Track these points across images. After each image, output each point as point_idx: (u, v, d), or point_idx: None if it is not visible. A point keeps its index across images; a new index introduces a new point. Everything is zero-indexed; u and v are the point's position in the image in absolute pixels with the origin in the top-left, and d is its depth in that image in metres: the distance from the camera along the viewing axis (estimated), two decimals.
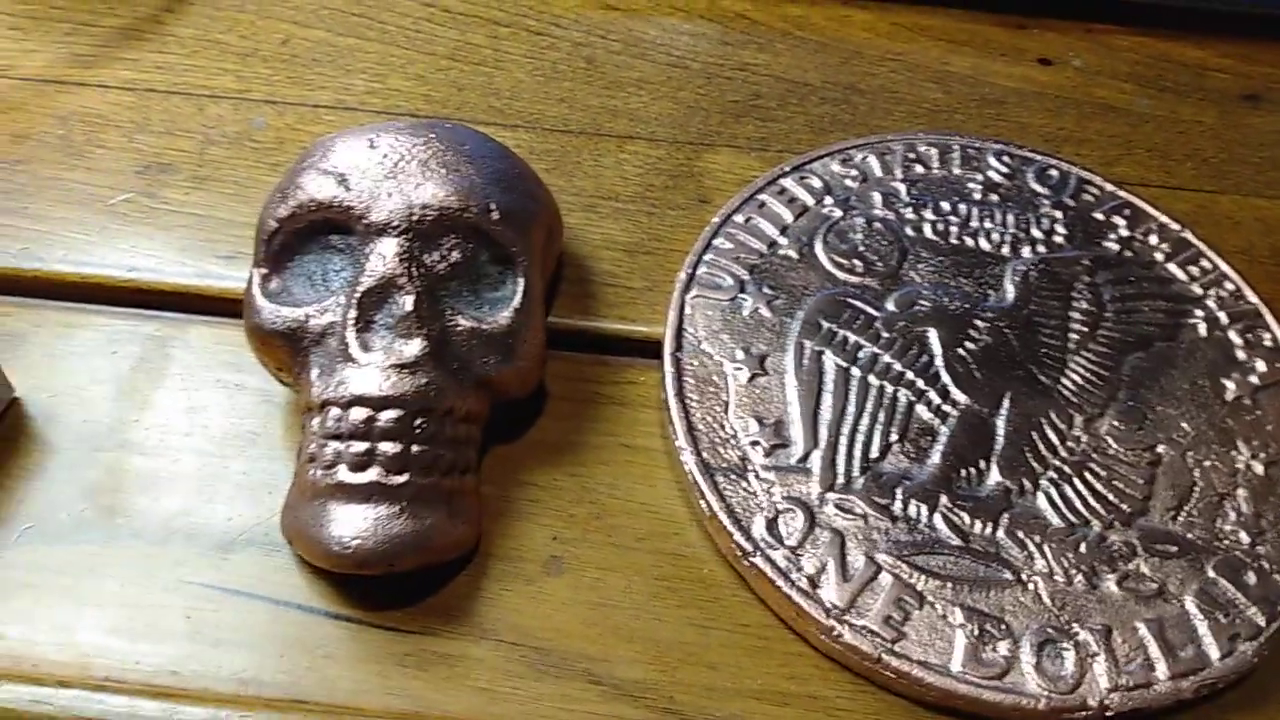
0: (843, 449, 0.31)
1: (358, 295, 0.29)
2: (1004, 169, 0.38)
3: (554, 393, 0.33)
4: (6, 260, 0.35)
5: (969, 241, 0.36)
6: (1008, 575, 0.29)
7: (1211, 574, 0.29)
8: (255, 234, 0.31)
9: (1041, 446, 0.31)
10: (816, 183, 0.37)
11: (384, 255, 0.29)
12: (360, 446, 0.28)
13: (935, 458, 0.31)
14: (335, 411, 0.28)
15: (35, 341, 0.33)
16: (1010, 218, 0.37)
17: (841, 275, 0.35)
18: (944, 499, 0.30)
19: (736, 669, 0.28)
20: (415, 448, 0.28)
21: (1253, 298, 0.35)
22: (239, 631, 0.28)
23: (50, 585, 0.28)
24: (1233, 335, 0.34)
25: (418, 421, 0.28)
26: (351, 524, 0.27)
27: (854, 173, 0.38)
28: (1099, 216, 0.37)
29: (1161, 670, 0.28)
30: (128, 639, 0.28)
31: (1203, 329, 0.35)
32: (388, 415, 0.28)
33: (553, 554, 0.30)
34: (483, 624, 0.28)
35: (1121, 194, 0.38)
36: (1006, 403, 0.32)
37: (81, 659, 0.27)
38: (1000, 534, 0.30)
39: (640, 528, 0.30)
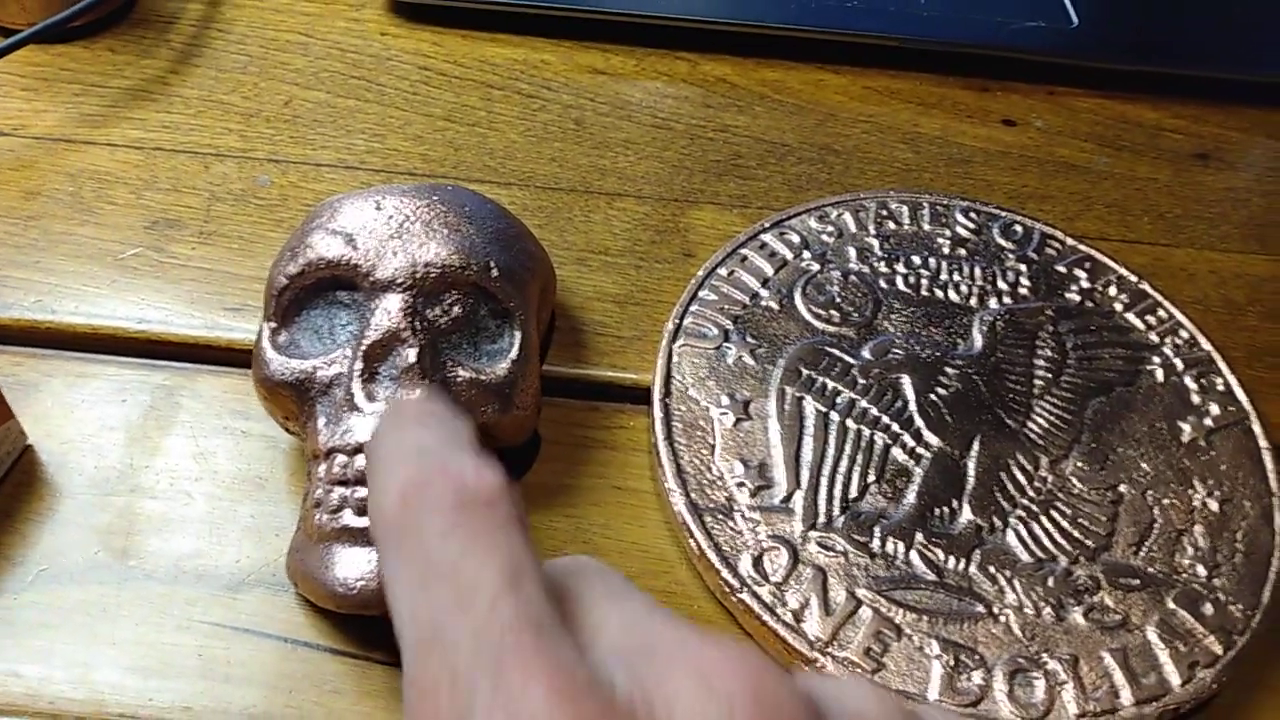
0: (823, 489, 0.32)
1: (363, 348, 0.30)
2: (971, 225, 0.40)
3: (548, 438, 0.34)
4: (20, 312, 0.36)
5: (939, 293, 0.38)
6: (980, 608, 0.31)
7: (1171, 605, 0.31)
8: (265, 290, 0.32)
9: (1010, 486, 0.33)
10: (795, 238, 0.39)
11: (389, 310, 0.30)
12: (364, 491, 0.29)
13: (910, 497, 0.33)
14: (341, 458, 0.29)
15: (48, 391, 0.34)
16: (977, 271, 0.39)
17: (820, 325, 0.37)
18: (919, 536, 0.32)
19: None
20: None
21: (1206, 345, 0.38)
22: (249, 668, 0.29)
23: (65, 625, 0.29)
24: (1188, 381, 0.37)
25: None
26: (355, 566, 0.28)
27: (830, 229, 0.40)
28: (1061, 269, 0.39)
29: (1126, 697, 0.29)
30: (141, 676, 0.29)
31: (1160, 375, 0.37)
32: None
33: None
34: None
35: (1082, 248, 0.40)
36: (976, 445, 0.34)
37: (97, 697, 0.28)
38: (973, 569, 0.31)
39: (632, 567, 0.32)
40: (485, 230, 0.32)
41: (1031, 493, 0.33)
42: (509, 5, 0.47)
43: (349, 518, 0.29)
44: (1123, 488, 0.34)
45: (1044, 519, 0.33)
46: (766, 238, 0.39)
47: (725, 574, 0.30)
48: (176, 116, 0.43)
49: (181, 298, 0.37)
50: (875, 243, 0.39)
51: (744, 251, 0.39)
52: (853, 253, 0.39)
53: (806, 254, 0.39)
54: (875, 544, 0.31)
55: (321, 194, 0.40)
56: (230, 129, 0.43)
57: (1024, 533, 0.32)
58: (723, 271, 0.38)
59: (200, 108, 0.43)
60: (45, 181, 0.40)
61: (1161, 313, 0.39)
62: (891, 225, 0.40)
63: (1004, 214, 0.41)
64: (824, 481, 0.33)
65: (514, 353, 0.32)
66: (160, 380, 0.35)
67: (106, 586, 0.30)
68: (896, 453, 0.34)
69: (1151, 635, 0.31)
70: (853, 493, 0.32)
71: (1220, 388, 0.36)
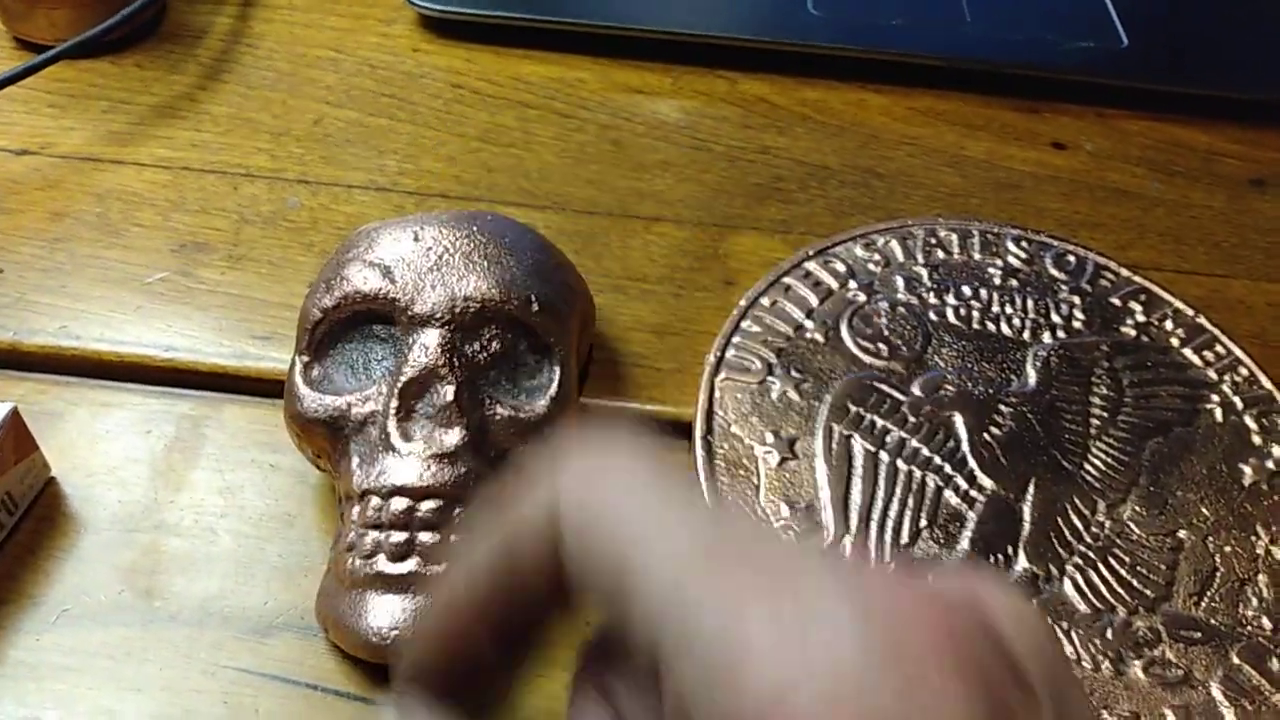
0: (874, 534, 0.31)
1: (399, 385, 0.29)
2: (1022, 254, 0.39)
3: None
4: (45, 338, 0.35)
5: (990, 326, 0.37)
6: None
7: (1236, 660, 0.30)
8: (298, 322, 0.31)
9: (1067, 532, 0.32)
10: (840, 266, 0.38)
11: (426, 346, 0.29)
12: (400, 536, 0.28)
13: (964, 544, 0.31)
14: (375, 501, 0.28)
15: (72, 420, 0.33)
16: (1030, 303, 0.37)
17: (867, 359, 0.35)
18: None
19: None
20: (454, 538, 0.28)
21: (1266, 383, 0.36)
22: (276, 716, 0.28)
23: (89, 668, 0.28)
24: (1248, 420, 0.35)
25: (457, 511, 0.28)
26: (390, 614, 0.27)
27: (877, 257, 0.38)
28: (1115, 302, 0.38)
29: None
30: None
31: (1219, 414, 0.35)
32: (428, 505, 0.28)
33: (586, 639, 0.30)
34: (518, 710, 0.28)
35: (1136, 279, 0.39)
36: (1032, 488, 0.33)
37: None
38: None
39: None
40: (525, 262, 0.31)
41: (1089, 539, 0.32)
42: (542, 21, 0.46)
43: (383, 563, 0.28)
44: (1182, 534, 0.32)
45: (1102, 567, 0.31)
46: (811, 266, 0.38)
47: None
48: (205, 135, 0.42)
49: (209, 325, 0.36)
50: (924, 272, 0.38)
51: (787, 280, 0.37)
52: (901, 283, 0.38)
53: (853, 284, 0.38)
54: None
55: (353, 216, 0.39)
56: (259, 148, 0.42)
57: (1081, 581, 0.31)
58: (765, 301, 0.37)
59: (229, 126, 0.43)
60: (72, 202, 0.39)
61: (1219, 348, 0.37)
62: (940, 254, 0.39)
63: (1056, 243, 0.40)
64: (874, 526, 0.31)
65: (553, 389, 0.31)
66: (186, 410, 0.34)
67: (131, 628, 0.29)
68: (949, 496, 0.32)
69: (1216, 692, 0.29)
70: (904, 538, 0.31)
71: None
